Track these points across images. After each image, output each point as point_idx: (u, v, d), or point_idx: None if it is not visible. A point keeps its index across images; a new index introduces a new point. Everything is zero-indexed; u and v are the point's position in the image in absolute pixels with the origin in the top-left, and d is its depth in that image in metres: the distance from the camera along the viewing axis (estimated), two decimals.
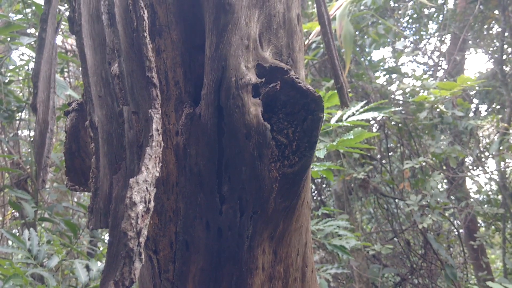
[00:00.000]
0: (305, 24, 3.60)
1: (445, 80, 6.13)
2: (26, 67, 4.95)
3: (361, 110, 2.93)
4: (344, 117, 2.92)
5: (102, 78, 0.80)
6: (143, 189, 0.68)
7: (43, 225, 4.77)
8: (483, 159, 7.15)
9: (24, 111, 4.88)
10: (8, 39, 3.93)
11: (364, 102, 3.12)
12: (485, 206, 6.87)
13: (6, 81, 4.52)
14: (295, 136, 1.16)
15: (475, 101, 7.74)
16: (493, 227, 7.29)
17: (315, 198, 5.86)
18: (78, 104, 1.06)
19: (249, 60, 1.14)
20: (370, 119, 5.67)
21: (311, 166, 3.30)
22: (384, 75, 5.69)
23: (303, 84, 1.15)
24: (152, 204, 0.69)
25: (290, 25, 1.28)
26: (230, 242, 1.17)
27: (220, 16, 1.10)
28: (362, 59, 5.18)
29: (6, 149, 4.96)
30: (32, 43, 3.79)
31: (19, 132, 5.46)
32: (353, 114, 2.93)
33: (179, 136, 1.13)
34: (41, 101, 0.71)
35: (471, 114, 7.22)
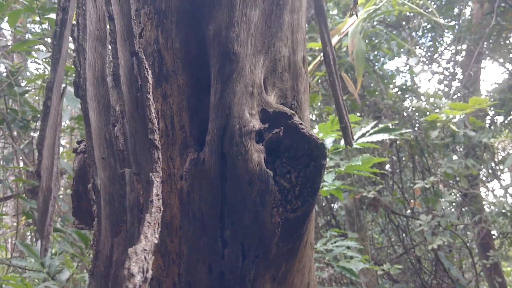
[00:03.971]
0: (316, 42, 3.61)
1: (459, 94, 6.07)
2: (42, 76, 5.05)
3: (372, 131, 2.93)
4: (355, 138, 2.92)
5: (106, 140, 0.82)
6: (141, 259, 0.70)
7: (57, 236, 4.83)
8: (498, 173, 7.07)
9: (39, 120, 4.97)
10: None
11: (374, 122, 3.11)
12: (501, 219, 6.78)
13: (24, 91, 4.61)
14: (298, 181, 1.17)
15: (491, 112, 7.65)
16: (509, 239, 7.20)
17: (325, 211, 5.85)
18: (86, 146, 1.09)
19: (253, 107, 1.15)
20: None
21: (321, 186, 3.30)
22: (397, 92, 5.64)
23: (306, 130, 1.17)
24: (150, 273, 0.71)
25: (295, 68, 1.29)
26: (232, 285, 1.18)
27: (225, 65, 1.12)
28: (374, 75, 5.16)
29: (21, 158, 5.05)
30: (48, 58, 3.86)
31: (34, 141, 5.56)
32: (363, 135, 2.93)
33: (183, 180, 1.15)
34: (45, 168, 0.73)
35: (487, 126, 7.13)
